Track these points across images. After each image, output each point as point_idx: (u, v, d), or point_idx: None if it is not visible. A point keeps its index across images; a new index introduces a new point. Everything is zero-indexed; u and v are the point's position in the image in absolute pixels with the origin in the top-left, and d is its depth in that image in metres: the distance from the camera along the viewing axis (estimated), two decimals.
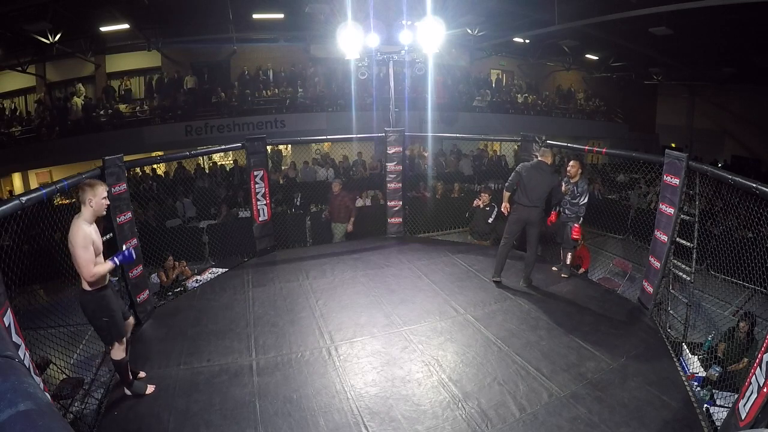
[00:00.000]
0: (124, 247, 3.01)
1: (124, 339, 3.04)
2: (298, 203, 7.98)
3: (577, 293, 4.70)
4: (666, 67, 15.17)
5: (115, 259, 2.90)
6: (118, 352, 3.00)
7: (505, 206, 4.78)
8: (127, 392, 3.13)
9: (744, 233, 5.52)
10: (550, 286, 4.85)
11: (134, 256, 3.03)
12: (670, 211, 4.00)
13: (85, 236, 2.72)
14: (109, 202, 2.95)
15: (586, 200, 4.88)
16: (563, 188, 4.88)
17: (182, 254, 5.77)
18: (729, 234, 5.30)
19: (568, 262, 5.06)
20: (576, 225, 4.87)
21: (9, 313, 2.30)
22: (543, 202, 4.65)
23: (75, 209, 2.84)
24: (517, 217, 4.71)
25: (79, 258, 2.70)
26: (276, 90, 12.80)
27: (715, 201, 6.62)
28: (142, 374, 3.37)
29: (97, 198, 2.82)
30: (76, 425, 2.87)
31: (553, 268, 5.29)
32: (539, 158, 4.72)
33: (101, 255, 2.90)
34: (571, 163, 4.98)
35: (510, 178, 4.73)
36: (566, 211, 4.98)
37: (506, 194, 4.77)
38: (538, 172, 4.60)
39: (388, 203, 6.55)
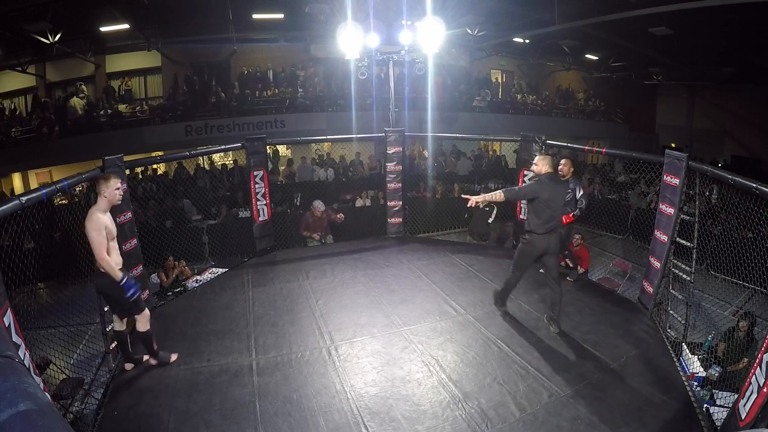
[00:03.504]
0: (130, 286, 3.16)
1: (146, 311, 3.32)
2: (298, 203, 7.98)
3: (577, 293, 4.70)
4: (666, 67, 15.17)
5: (124, 278, 3.09)
6: (143, 324, 3.29)
7: (478, 200, 3.79)
8: (153, 362, 3.43)
9: (744, 233, 5.52)
10: (549, 286, 4.83)
11: (132, 291, 3.13)
12: (670, 211, 4.00)
13: (98, 221, 2.99)
14: (122, 192, 3.21)
15: (581, 193, 4.65)
16: None
17: (182, 254, 5.77)
18: (729, 234, 5.30)
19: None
20: (569, 214, 4.66)
21: (9, 313, 2.30)
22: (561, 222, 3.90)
23: (76, 209, 2.88)
24: (531, 250, 3.78)
25: (93, 240, 2.97)
26: (276, 90, 12.80)
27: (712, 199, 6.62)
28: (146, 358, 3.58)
29: (110, 189, 3.09)
30: (76, 425, 2.88)
31: (541, 271, 5.18)
32: (543, 169, 3.72)
33: (115, 240, 3.20)
34: (563, 161, 4.80)
35: (522, 190, 3.84)
36: None
37: (500, 196, 3.69)
38: (558, 188, 3.73)
39: (388, 203, 6.55)
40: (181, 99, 12.28)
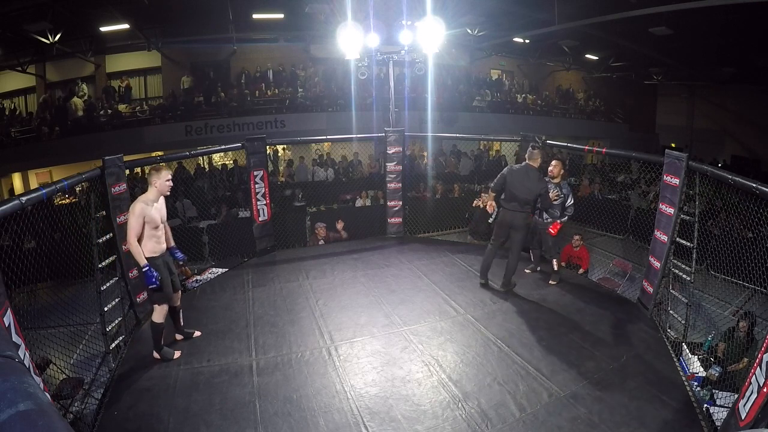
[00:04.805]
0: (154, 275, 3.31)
1: (165, 306, 3.46)
2: (301, 201, 7.98)
3: (577, 293, 4.70)
4: (666, 67, 15.17)
5: (147, 266, 3.27)
6: (158, 316, 3.43)
7: (491, 205, 5.01)
8: (156, 356, 3.51)
9: (744, 233, 5.52)
10: (549, 286, 4.85)
11: (153, 280, 3.28)
12: (670, 211, 4.00)
13: (141, 209, 3.24)
14: (172, 184, 3.46)
15: (571, 201, 4.72)
16: (551, 194, 4.63)
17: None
18: (729, 234, 5.29)
19: (555, 269, 4.89)
20: (557, 222, 4.70)
21: (9, 313, 2.30)
22: (528, 208, 4.51)
23: (77, 208, 2.89)
24: (501, 220, 4.59)
25: (129, 224, 3.23)
26: (276, 90, 12.81)
27: (716, 201, 6.61)
28: (197, 333, 3.87)
29: (161, 180, 3.36)
30: (76, 425, 2.87)
31: (526, 270, 5.17)
32: (527, 161, 4.48)
33: (161, 227, 3.41)
34: (553, 162, 4.83)
35: (496, 180, 4.57)
36: (544, 215, 4.81)
37: (491, 194, 4.81)
38: (525, 177, 4.40)
39: (388, 203, 6.55)
40: (182, 99, 12.26)
